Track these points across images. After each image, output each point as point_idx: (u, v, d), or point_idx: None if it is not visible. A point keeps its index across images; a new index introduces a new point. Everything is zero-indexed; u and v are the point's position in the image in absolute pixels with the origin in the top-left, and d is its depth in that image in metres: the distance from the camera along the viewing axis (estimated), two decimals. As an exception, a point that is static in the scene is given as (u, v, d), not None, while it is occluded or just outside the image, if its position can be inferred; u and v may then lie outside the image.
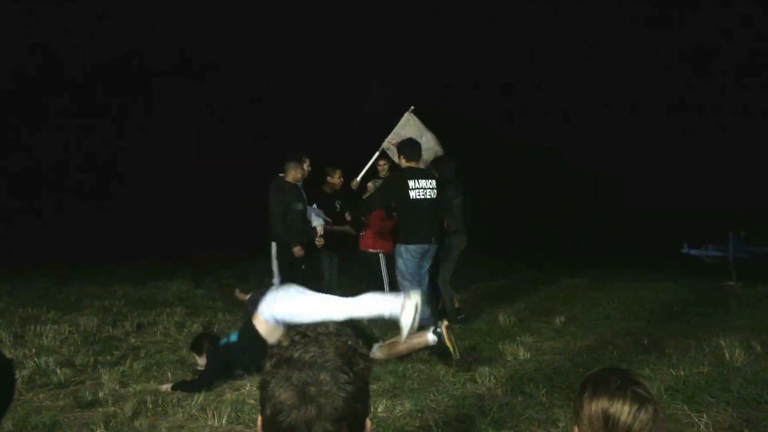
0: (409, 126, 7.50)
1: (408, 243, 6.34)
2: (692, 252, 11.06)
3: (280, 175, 7.34)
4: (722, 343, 5.59)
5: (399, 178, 6.51)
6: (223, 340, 5.20)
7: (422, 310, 5.45)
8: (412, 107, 7.54)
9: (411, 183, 6.37)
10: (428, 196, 6.42)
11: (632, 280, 9.94)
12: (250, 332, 4.80)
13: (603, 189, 18.04)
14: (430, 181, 6.48)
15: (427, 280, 6.58)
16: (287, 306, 4.65)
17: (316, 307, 4.61)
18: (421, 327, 5.33)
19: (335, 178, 7.84)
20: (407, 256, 6.33)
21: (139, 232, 15.49)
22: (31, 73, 16.66)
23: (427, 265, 6.53)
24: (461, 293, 8.56)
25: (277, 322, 4.66)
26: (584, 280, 10.32)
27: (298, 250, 7.10)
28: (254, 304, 4.95)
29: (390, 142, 7.38)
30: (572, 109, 19.64)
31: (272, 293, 4.82)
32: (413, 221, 6.35)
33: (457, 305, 7.29)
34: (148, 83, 17.64)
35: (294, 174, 7.30)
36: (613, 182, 18.17)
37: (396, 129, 7.54)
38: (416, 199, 6.35)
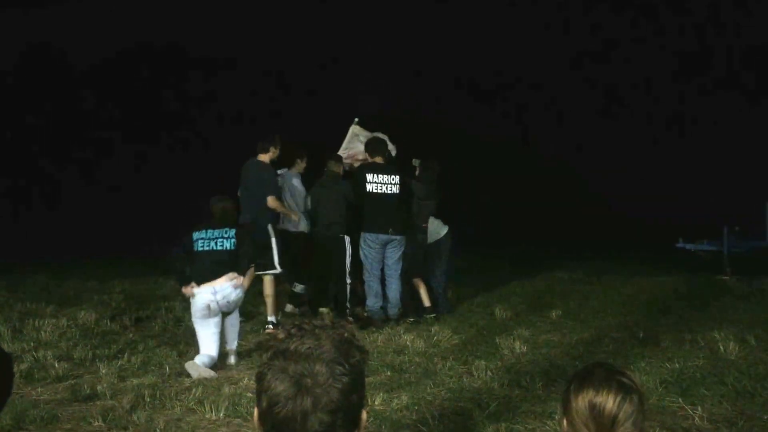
0: (356, 138, 7.57)
1: (364, 231, 6.90)
2: (687, 246, 11.09)
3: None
4: (717, 336, 5.63)
5: (359, 171, 7.01)
6: (198, 234, 5.35)
7: (376, 299, 6.76)
8: (357, 119, 7.65)
9: (369, 177, 6.85)
10: (387, 191, 6.85)
11: (628, 275, 9.97)
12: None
13: (600, 184, 18.06)
14: (392, 176, 6.90)
15: (397, 269, 6.93)
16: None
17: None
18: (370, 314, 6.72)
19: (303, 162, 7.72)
20: (364, 244, 6.89)
21: (140, 226, 15.44)
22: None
23: (393, 255, 6.91)
24: (458, 288, 8.59)
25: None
26: (580, 275, 10.35)
27: None
28: None
29: (345, 160, 7.53)
30: (570, 105, 19.63)
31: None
32: (368, 211, 6.87)
33: (427, 304, 7.22)
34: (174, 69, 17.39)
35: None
36: (609, 177, 18.19)
37: (344, 144, 7.65)
38: (372, 192, 6.82)
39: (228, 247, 5.29)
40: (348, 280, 7.26)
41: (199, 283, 5.20)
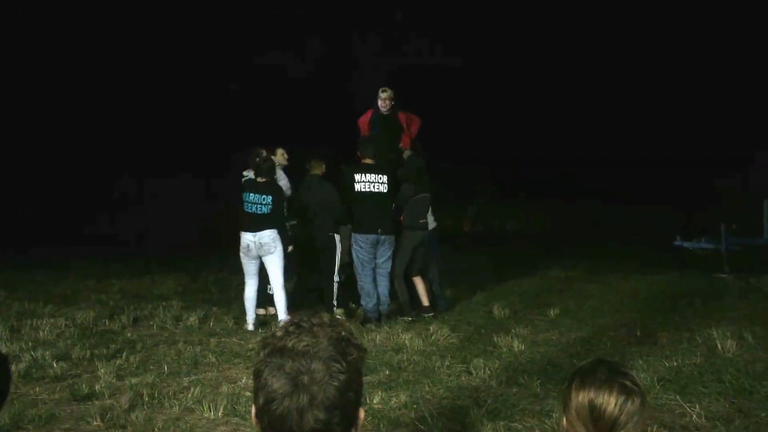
0: None
1: (355, 232, 6.99)
2: (685, 244, 11.12)
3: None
4: (714, 334, 5.65)
5: (347, 172, 7.04)
6: (246, 196, 6.48)
7: (370, 298, 6.85)
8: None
9: (357, 176, 6.91)
10: (375, 189, 6.89)
11: (626, 273, 9.99)
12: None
13: (598, 181, 18.10)
14: (380, 175, 6.92)
15: (386, 268, 6.98)
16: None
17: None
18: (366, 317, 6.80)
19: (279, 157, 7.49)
20: (356, 245, 6.96)
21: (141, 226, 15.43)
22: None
23: (383, 255, 6.95)
24: (456, 287, 8.59)
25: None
26: (578, 273, 10.35)
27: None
28: None
29: None
30: (570, 99, 19.59)
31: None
32: (357, 211, 6.93)
33: (426, 303, 7.18)
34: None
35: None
36: (608, 174, 18.24)
37: None
38: (361, 191, 6.89)
39: (265, 212, 6.45)
40: (336, 279, 7.21)
41: (246, 230, 6.52)
